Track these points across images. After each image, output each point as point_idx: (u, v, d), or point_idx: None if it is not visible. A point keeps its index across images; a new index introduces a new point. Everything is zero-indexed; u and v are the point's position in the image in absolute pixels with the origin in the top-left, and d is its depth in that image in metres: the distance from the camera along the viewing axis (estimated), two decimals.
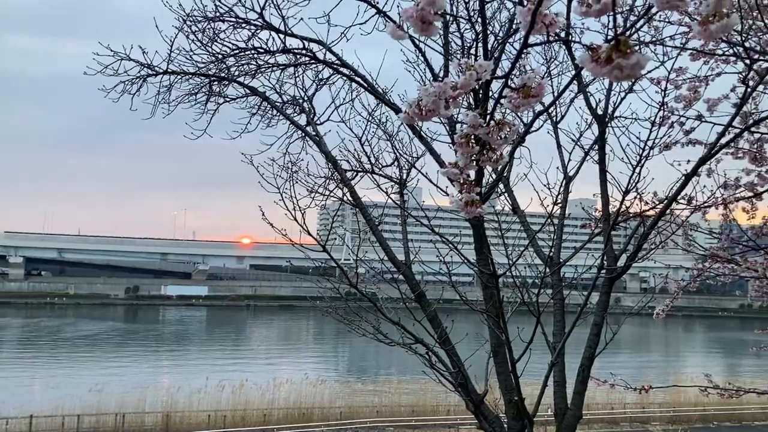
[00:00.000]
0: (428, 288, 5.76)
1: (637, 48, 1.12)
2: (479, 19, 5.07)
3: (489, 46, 5.15)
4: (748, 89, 4.41)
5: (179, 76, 6.79)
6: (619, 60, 1.09)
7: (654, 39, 5.50)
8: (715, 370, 34.97)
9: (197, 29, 6.34)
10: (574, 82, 5.48)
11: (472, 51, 5.84)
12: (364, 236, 6.49)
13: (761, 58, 4.51)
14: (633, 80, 5.63)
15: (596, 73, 1.13)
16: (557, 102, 5.71)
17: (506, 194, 6.18)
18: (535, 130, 6.10)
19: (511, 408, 4.58)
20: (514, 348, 4.47)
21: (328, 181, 6.28)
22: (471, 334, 6.24)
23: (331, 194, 6.31)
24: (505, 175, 5.96)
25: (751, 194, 5.88)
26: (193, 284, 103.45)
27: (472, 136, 1.80)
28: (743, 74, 4.74)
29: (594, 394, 20.65)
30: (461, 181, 2.02)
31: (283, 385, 28.13)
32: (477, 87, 1.86)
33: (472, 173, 2.13)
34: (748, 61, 4.43)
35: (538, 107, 5.74)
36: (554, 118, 5.98)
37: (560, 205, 5.35)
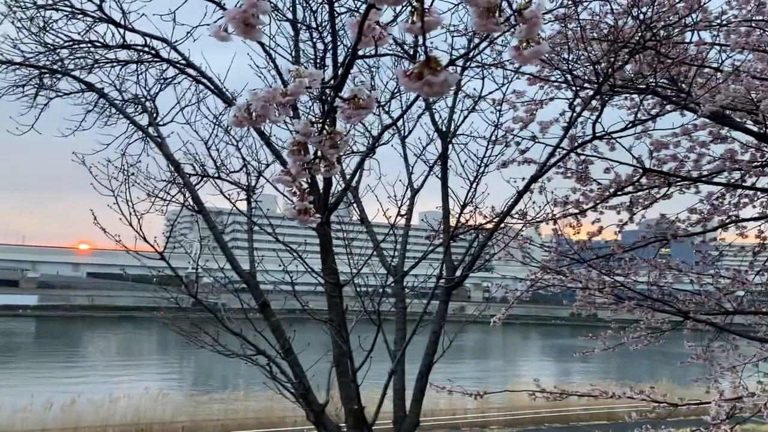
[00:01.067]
0: (272, 298, 5.66)
1: (449, 67, 1.14)
2: (330, 29, 5.09)
3: (339, 57, 5.18)
4: (574, 114, 4.78)
5: (3, 66, 6.18)
6: (429, 77, 1.11)
7: (495, 62, 5.82)
8: (548, 374, 37.62)
9: (25, 17, 5.82)
10: (421, 98, 5.66)
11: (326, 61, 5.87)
12: (209, 244, 6.27)
13: (585, 86, 4.91)
14: (474, 102, 5.92)
15: (409, 87, 1.14)
16: (405, 117, 5.85)
17: (355, 204, 6.22)
18: (385, 143, 6.24)
19: (352, 417, 4.59)
20: (359, 357, 4.50)
21: (169, 185, 5.98)
22: (317, 344, 6.21)
23: (173, 199, 6.01)
24: (353, 185, 6.01)
25: (577, 211, 6.38)
26: (19, 293, 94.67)
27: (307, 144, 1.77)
28: (571, 100, 5.13)
29: (438, 401, 21.35)
30: (293, 190, 1.96)
31: (120, 401, 26.39)
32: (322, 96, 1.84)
33: (305, 181, 2.08)
34: (575, 89, 4.82)
35: (387, 120, 5.88)
36: (402, 133, 6.12)
37: (405, 216, 5.47)
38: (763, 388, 4.43)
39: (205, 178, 6.07)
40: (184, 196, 5.97)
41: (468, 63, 5.22)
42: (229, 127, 5.85)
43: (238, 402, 28.71)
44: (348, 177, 5.45)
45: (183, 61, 5.95)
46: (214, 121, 6.06)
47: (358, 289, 4.14)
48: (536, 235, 8.41)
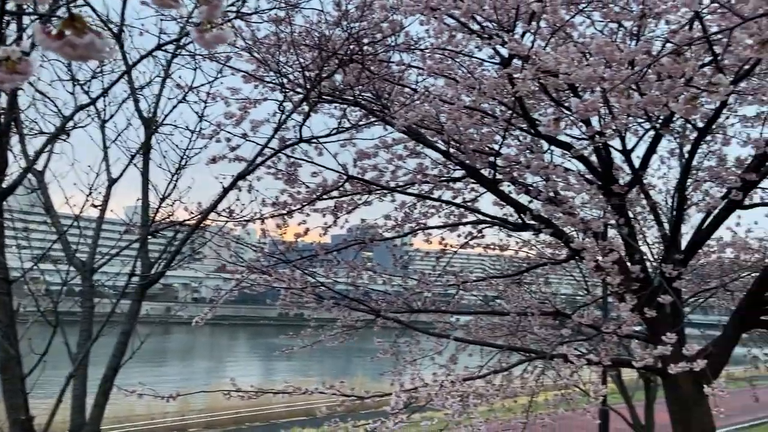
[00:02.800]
0: None
1: (98, 30, 1.01)
2: None
3: None
4: (284, 116, 4.84)
5: None
6: (72, 37, 0.97)
7: (208, 53, 5.64)
8: (254, 374, 37.90)
9: None
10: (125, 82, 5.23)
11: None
12: None
13: (295, 90, 5.01)
14: (184, 93, 5.65)
15: (47, 46, 0.98)
16: (105, 100, 5.33)
17: (39, 191, 5.50)
18: (82, 126, 5.63)
19: (17, 429, 4.02)
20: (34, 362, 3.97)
21: None
22: None
23: None
24: (39, 169, 5.30)
25: (284, 212, 6.48)
26: None
27: None
28: (280, 102, 5.19)
29: (135, 406, 20.12)
30: None
31: None
32: None
33: None
34: (285, 91, 4.89)
35: (85, 99, 5.31)
36: (102, 116, 5.58)
37: (99, 207, 4.99)
38: (434, 379, 4.94)
39: None
40: None
41: (178, 50, 4.97)
42: None
43: None
44: (32, 158, 4.80)
45: None
46: None
47: (29, 285, 3.64)
48: (246, 234, 8.38)
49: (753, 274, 7.77)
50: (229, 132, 5.79)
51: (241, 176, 4.71)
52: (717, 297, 8.75)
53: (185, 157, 4.88)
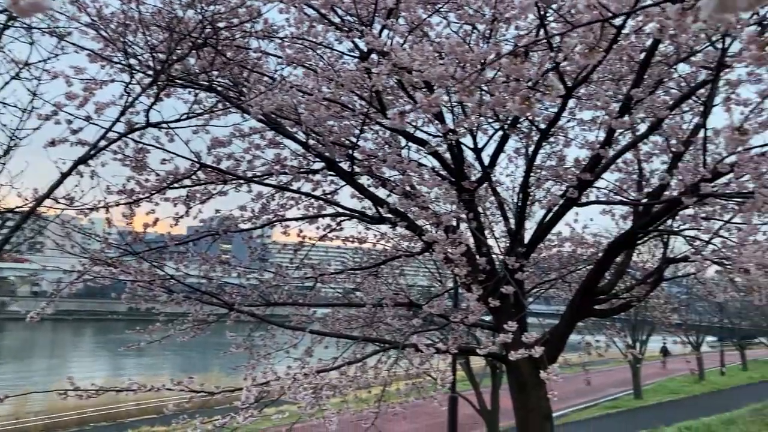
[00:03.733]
0: None
1: None
2: None
3: None
4: (130, 99, 4.57)
5: None
6: None
7: (47, 28, 5.20)
8: (102, 371, 35.73)
9: None
10: None
11: None
12: None
13: (144, 72, 4.75)
14: (19, 69, 5.17)
15: None
16: None
17: None
18: None
19: None
20: None
21: None
22: None
23: None
24: None
25: (131, 200, 6.13)
26: None
27: None
28: (126, 84, 4.90)
29: None
30: None
31: None
32: None
33: None
34: (132, 72, 4.62)
35: None
36: None
37: None
38: (287, 372, 4.90)
39: None
40: None
41: (10, 22, 4.54)
42: None
43: None
44: None
45: None
46: None
47: None
48: (91, 224, 7.85)
49: (587, 267, 8.44)
50: (69, 113, 5.37)
51: (82, 161, 4.39)
52: (556, 288, 9.41)
53: (14, 137, 4.46)
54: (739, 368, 41.40)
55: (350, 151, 5.95)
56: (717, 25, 5.33)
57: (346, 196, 6.98)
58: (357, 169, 6.28)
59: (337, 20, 5.60)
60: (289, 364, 6.33)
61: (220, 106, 5.96)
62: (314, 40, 5.61)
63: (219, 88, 5.65)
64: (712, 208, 6.82)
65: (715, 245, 6.53)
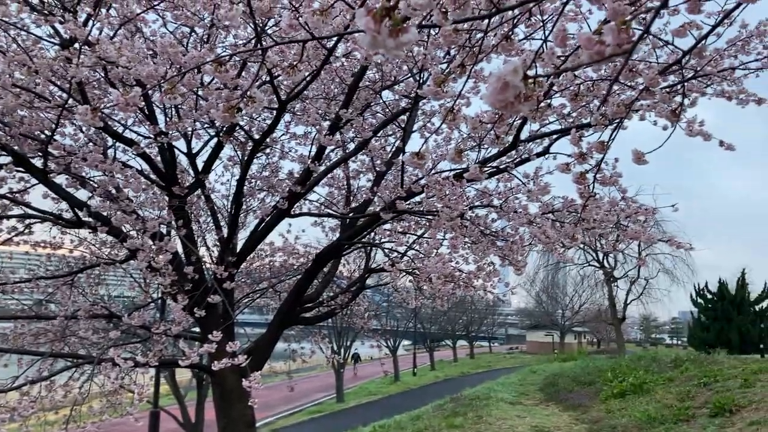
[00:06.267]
0: None
1: None
2: None
3: None
4: None
5: None
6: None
7: None
8: None
9: None
10: None
11: None
12: None
13: None
14: None
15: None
16: None
17: None
18: None
19: None
20: None
21: None
22: None
23: None
24: None
25: None
26: None
27: None
28: None
29: None
30: None
31: None
32: None
33: None
34: None
35: None
36: None
37: None
38: None
39: None
40: None
41: None
42: None
43: None
44: None
45: None
46: None
47: None
48: None
49: (297, 277, 8.72)
50: None
51: None
52: (267, 297, 9.56)
53: None
54: (428, 369, 46.23)
55: (44, 146, 5.34)
56: (416, 59, 5.96)
57: (38, 195, 6.24)
58: (52, 167, 5.67)
59: (35, 1, 5.02)
60: None
61: None
62: (5, 19, 4.95)
63: None
64: (408, 223, 7.57)
65: (408, 257, 7.25)
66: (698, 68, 4.30)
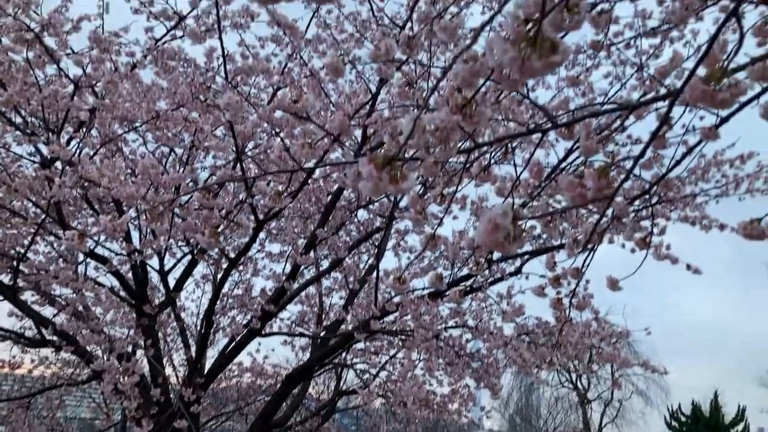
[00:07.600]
0: None
1: None
2: None
3: None
4: None
5: None
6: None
7: None
8: None
9: None
10: None
11: None
12: None
13: None
14: None
15: None
16: None
17: None
18: None
19: None
20: None
21: None
22: None
23: None
24: None
25: None
26: None
27: None
28: None
29: None
30: None
31: None
32: None
33: None
34: None
35: None
36: None
37: None
38: None
39: None
40: None
41: None
42: None
43: None
44: None
45: None
46: None
47: None
48: None
49: (266, 398, 8.43)
50: None
51: None
52: (233, 420, 9.17)
53: None
54: None
55: (16, 264, 5.26)
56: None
57: (2, 312, 6.08)
58: (21, 284, 5.56)
59: (19, 120, 5.13)
60: None
61: None
62: None
63: None
64: (381, 342, 7.47)
65: (381, 378, 7.10)
66: (662, 195, 4.51)
